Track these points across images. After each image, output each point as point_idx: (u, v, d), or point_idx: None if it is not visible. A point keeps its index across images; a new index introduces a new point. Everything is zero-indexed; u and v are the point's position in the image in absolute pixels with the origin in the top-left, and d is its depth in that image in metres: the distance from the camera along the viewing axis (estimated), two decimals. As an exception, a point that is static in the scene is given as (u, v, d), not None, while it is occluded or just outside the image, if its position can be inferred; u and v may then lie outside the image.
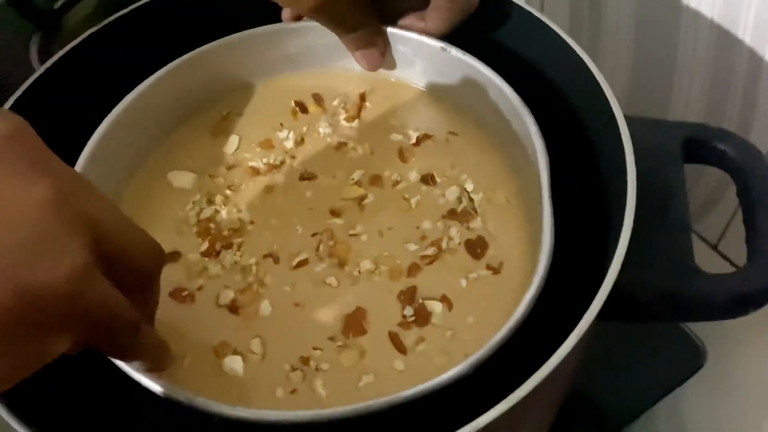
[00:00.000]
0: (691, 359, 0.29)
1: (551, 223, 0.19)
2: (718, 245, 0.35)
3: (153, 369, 0.17)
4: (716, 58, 0.30)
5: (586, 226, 0.20)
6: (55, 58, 0.24)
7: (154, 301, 0.17)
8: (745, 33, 0.28)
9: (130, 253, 0.15)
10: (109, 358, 0.16)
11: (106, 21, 0.25)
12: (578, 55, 0.22)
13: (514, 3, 0.24)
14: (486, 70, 0.23)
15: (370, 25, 0.23)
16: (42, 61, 0.25)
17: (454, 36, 0.24)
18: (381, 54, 0.24)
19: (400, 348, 0.19)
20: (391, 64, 0.25)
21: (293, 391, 0.19)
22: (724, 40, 0.29)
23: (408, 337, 0.20)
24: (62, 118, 0.22)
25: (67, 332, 0.13)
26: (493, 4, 0.24)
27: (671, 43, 0.30)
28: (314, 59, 0.26)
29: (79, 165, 0.21)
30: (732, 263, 0.21)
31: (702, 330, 0.30)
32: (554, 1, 0.35)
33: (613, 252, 0.17)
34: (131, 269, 0.15)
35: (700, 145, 0.23)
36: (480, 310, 0.20)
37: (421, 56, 0.25)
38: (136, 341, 0.16)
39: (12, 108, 0.23)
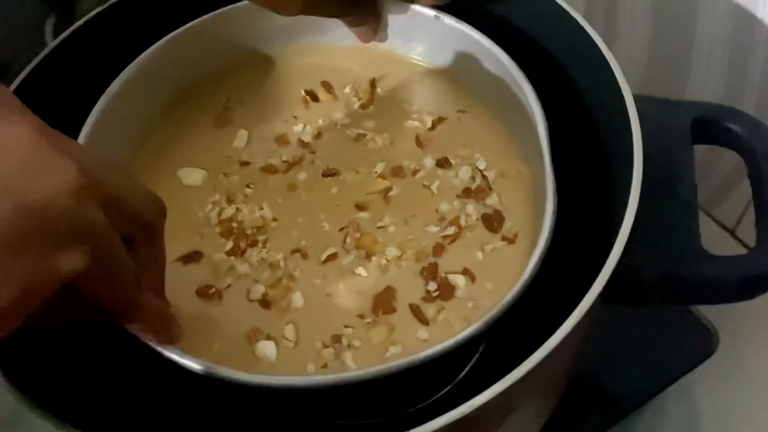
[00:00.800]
0: (703, 344, 0.33)
1: (553, 184, 0.24)
2: (735, 230, 0.40)
3: (158, 338, 0.20)
4: (734, 39, 0.35)
5: (593, 205, 0.24)
6: (60, 38, 0.28)
7: (160, 264, 0.20)
8: (765, 13, 0.33)
9: (126, 198, 0.18)
10: (118, 324, 0.19)
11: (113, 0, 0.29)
12: (586, 32, 0.26)
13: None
14: (479, 36, 0.28)
15: (360, 7, 0.28)
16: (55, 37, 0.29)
17: (467, 14, 0.28)
18: (373, 30, 0.29)
19: (422, 319, 0.25)
20: (384, 37, 0.30)
21: (324, 366, 0.24)
22: (742, 20, 0.34)
23: (430, 309, 0.25)
24: (69, 98, 0.26)
25: (71, 247, 0.16)
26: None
27: (688, 24, 0.35)
28: (305, 30, 0.31)
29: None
30: (749, 248, 0.24)
31: (714, 315, 0.34)
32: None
33: (617, 232, 0.20)
34: (130, 215, 0.18)
35: (711, 125, 0.26)
36: (497, 277, 0.25)
37: (417, 28, 0.30)
38: (139, 296, 0.18)
39: (19, 87, 0.27)
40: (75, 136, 0.26)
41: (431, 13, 0.29)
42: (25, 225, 0.15)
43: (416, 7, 0.29)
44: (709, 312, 0.35)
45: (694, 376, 0.33)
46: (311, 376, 0.23)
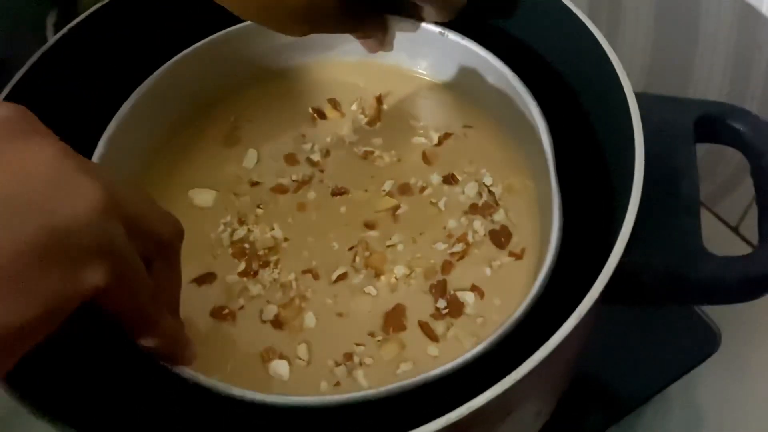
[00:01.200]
0: (706, 343, 0.32)
1: (559, 200, 0.23)
2: (738, 227, 0.39)
3: (171, 359, 0.21)
4: (738, 36, 0.34)
5: (598, 207, 0.24)
6: (60, 34, 0.27)
7: (177, 284, 0.21)
8: (770, 10, 0.31)
9: (146, 218, 0.18)
10: (133, 341, 0.19)
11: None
12: (588, 29, 0.25)
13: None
14: (484, 52, 0.28)
15: (367, 22, 0.28)
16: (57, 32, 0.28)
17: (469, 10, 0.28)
18: (380, 41, 0.29)
19: (432, 336, 0.24)
20: (390, 47, 0.29)
21: (337, 384, 0.24)
22: (747, 16, 0.33)
23: (439, 327, 0.25)
24: (69, 94, 0.26)
25: (92, 265, 0.16)
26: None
27: (693, 21, 0.35)
28: (311, 46, 0.31)
29: None
30: (753, 246, 0.25)
31: (717, 314, 0.34)
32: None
33: (618, 232, 0.20)
34: (149, 235, 0.18)
35: (714, 124, 0.25)
36: (505, 293, 0.25)
37: (423, 44, 0.30)
38: (156, 314, 0.19)
39: (18, 83, 0.26)
40: (76, 135, 0.25)
41: (436, 29, 0.29)
42: (48, 244, 0.16)
43: (422, 24, 0.29)
44: (711, 311, 0.35)
45: (696, 374, 0.33)
46: (323, 396, 0.23)
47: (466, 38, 0.29)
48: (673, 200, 0.24)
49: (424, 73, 0.32)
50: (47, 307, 0.16)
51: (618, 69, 0.24)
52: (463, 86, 0.31)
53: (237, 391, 0.21)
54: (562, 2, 0.27)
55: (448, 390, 0.21)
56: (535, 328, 0.21)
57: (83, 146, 0.27)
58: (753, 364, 0.35)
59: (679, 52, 0.37)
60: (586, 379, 0.32)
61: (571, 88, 0.28)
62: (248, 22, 0.29)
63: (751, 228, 0.39)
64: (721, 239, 0.39)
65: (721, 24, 0.35)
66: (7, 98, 0.26)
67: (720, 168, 0.39)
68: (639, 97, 0.24)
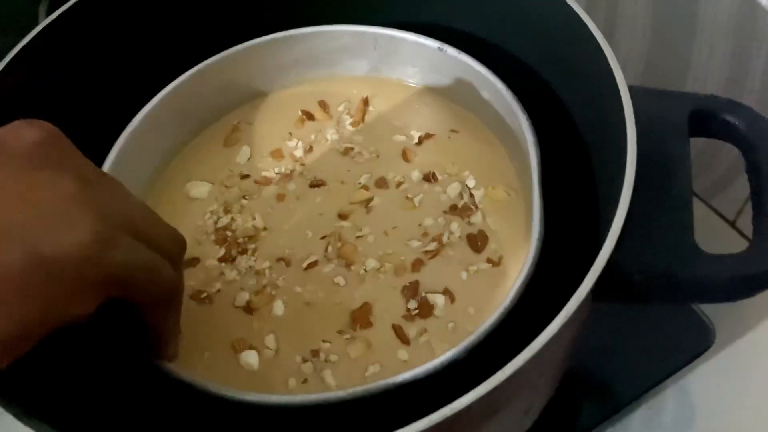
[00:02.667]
0: (700, 338, 0.29)
1: (540, 214, 0.21)
2: (735, 222, 0.35)
3: (167, 355, 0.20)
4: (737, 30, 0.30)
5: (587, 204, 0.21)
6: (49, 19, 0.24)
7: (182, 289, 0.20)
8: (768, 3, 0.28)
9: (155, 235, 0.18)
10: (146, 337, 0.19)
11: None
12: (580, 18, 0.22)
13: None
14: (480, 68, 0.25)
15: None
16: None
17: (459, 3, 0.25)
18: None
19: (404, 339, 0.22)
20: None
21: (304, 381, 0.21)
22: (745, 8, 0.29)
23: (411, 329, 0.22)
24: (57, 82, 0.24)
25: (83, 295, 0.15)
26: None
27: (691, 14, 0.31)
28: (319, 63, 0.29)
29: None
30: (749, 240, 0.21)
31: (711, 309, 0.31)
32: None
33: (608, 228, 0.18)
34: (158, 250, 0.18)
35: (709, 118, 0.22)
36: (480, 301, 0.22)
37: (419, 57, 0.27)
38: (177, 302, 0.18)
39: (5, 69, 0.23)
40: (73, 128, 0.22)
41: (435, 44, 0.26)
42: (31, 273, 0.15)
43: (420, 39, 0.27)
44: (706, 307, 0.31)
45: (690, 369, 0.30)
46: (296, 395, 0.20)
47: (463, 53, 0.26)
48: (665, 196, 0.21)
49: (425, 85, 0.29)
50: (21, 329, 0.15)
51: (611, 60, 0.21)
52: (456, 97, 0.28)
53: (214, 387, 0.19)
54: None
55: (425, 392, 0.19)
56: (512, 333, 0.19)
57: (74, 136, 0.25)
58: (747, 359, 0.31)
59: (676, 46, 0.33)
60: (580, 375, 0.29)
61: (563, 71, 0.25)
62: (265, 38, 0.28)
63: (748, 222, 0.33)
64: (718, 233, 0.35)
65: (719, 17, 0.31)
66: None
67: (717, 161, 0.35)
68: (632, 90, 0.20)
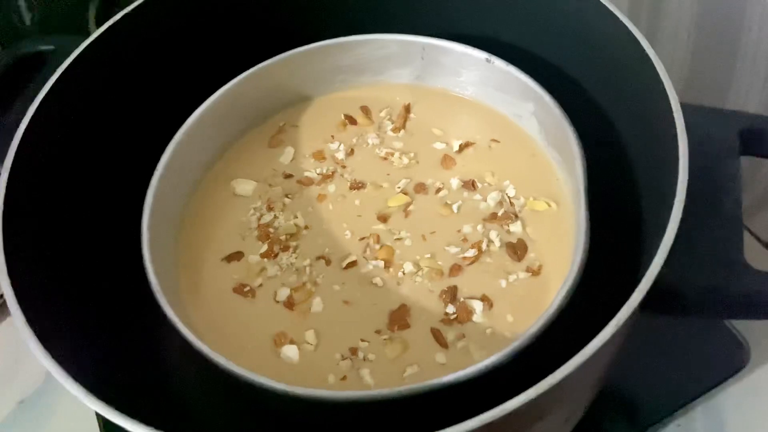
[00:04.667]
0: (734, 358, 0.28)
1: (587, 225, 0.20)
2: None
3: None
4: None
5: (634, 216, 0.21)
6: (104, 27, 0.25)
7: None
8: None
9: None
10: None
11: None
12: (636, 38, 0.22)
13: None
14: (528, 80, 0.25)
15: None
16: (98, 25, 0.26)
17: (507, 16, 0.25)
18: None
19: (442, 342, 0.21)
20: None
21: (343, 378, 0.21)
22: None
23: (449, 333, 0.22)
24: (110, 90, 0.24)
25: None
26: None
27: (734, 30, 0.30)
28: (365, 70, 0.29)
29: (155, 177, 0.24)
30: None
31: (746, 329, 0.29)
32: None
33: (659, 242, 0.17)
34: None
35: (759, 137, 0.22)
36: (519, 310, 0.21)
37: (465, 67, 0.27)
38: None
39: (60, 78, 0.23)
40: (115, 130, 0.24)
41: (483, 56, 0.26)
42: None
43: (467, 49, 0.26)
44: (741, 326, 0.30)
45: (722, 389, 0.28)
46: (343, 391, 0.20)
47: (511, 65, 0.26)
48: (716, 213, 0.20)
49: (469, 95, 0.28)
50: None
51: (664, 78, 0.21)
52: (499, 107, 0.27)
53: (265, 381, 0.19)
54: (604, 5, 0.23)
55: (466, 395, 0.18)
56: (550, 342, 0.18)
57: (127, 139, 0.26)
58: None
59: (718, 63, 0.33)
60: (611, 390, 0.28)
61: (614, 88, 0.24)
62: (316, 45, 0.28)
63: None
64: (754, 255, 0.33)
65: (763, 35, 0.29)
66: (50, 91, 0.24)
67: (753, 184, 0.32)
68: (683, 107, 0.20)
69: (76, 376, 0.18)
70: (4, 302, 0.37)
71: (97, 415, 0.27)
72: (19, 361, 0.32)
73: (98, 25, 0.27)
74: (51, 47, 0.27)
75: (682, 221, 0.18)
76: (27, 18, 0.38)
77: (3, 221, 0.20)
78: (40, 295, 0.19)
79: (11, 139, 0.22)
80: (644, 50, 0.21)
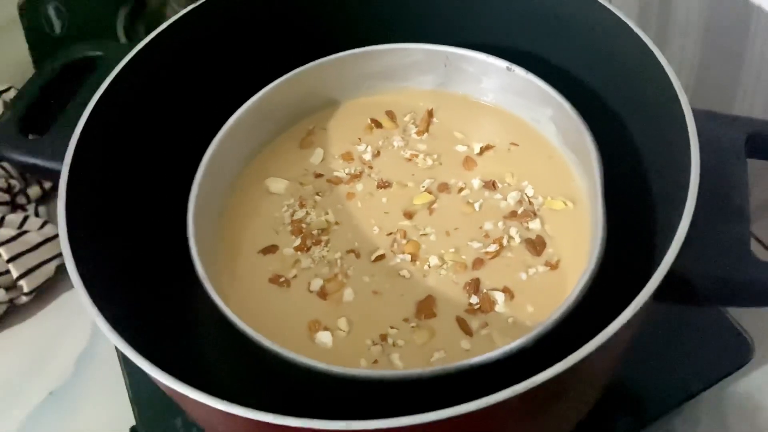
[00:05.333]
0: (738, 353, 0.29)
1: (604, 221, 0.21)
2: None
3: None
4: None
5: (646, 217, 0.22)
6: (151, 36, 0.26)
7: None
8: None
9: None
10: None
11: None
12: (647, 46, 0.23)
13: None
14: (547, 87, 0.26)
15: None
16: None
17: (526, 26, 0.26)
18: None
19: (467, 330, 0.23)
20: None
21: (375, 362, 0.22)
22: None
23: (473, 322, 0.23)
24: (158, 98, 0.26)
25: None
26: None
27: (740, 38, 0.31)
28: (391, 77, 0.30)
29: (197, 180, 0.26)
30: None
31: (751, 325, 0.30)
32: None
33: (673, 235, 0.18)
34: None
35: (765, 142, 0.23)
36: (539, 300, 0.23)
37: (486, 74, 0.28)
38: None
39: (108, 88, 0.25)
40: (160, 131, 0.25)
41: (504, 64, 0.28)
42: None
43: (489, 58, 0.28)
44: (746, 321, 0.30)
45: (726, 384, 0.29)
46: (378, 371, 0.22)
47: (530, 73, 0.27)
48: (724, 210, 0.22)
49: (489, 101, 0.30)
50: None
51: (676, 85, 0.22)
52: (519, 112, 0.29)
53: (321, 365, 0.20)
54: (617, 16, 0.24)
55: (488, 379, 0.19)
56: (569, 333, 0.19)
57: (171, 139, 0.27)
58: None
59: (725, 70, 0.33)
60: (619, 383, 0.29)
61: (624, 103, 0.25)
62: (346, 53, 0.29)
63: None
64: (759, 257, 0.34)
65: (767, 45, 0.30)
66: (104, 94, 0.25)
67: (756, 189, 0.33)
68: (694, 112, 0.21)
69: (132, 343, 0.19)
70: (32, 297, 0.38)
71: (132, 402, 0.29)
72: (49, 353, 0.34)
73: (126, 31, 0.28)
74: (99, 53, 0.29)
75: (693, 217, 0.19)
76: (57, 26, 0.39)
77: (66, 217, 0.22)
78: (100, 277, 0.21)
79: (69, 139, 0.24)
80: (656, 58, 0.22)
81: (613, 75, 0.25)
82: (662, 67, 0.22)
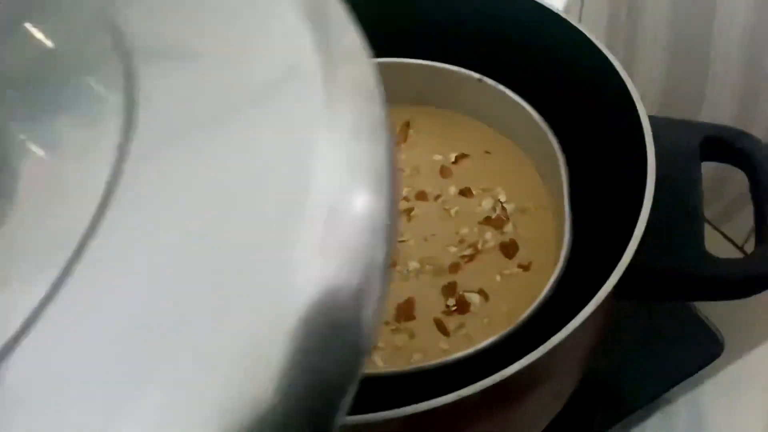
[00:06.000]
0: (709, 349, 0.30)
1: (570, 223, 0.23)
2: (744, 246, 0.35)
3: None
4: (747, 68, 0.32)
5: (609, 219, 0.23)
6: None
7: None
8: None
9: None
10: None
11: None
12: (609, 60, 0.24)
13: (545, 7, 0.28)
14: (516, 98, 0.28)
15: None
16: None
17: (495, 39, 0.28)
18: None
19: (444, 331, 0.23)
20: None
21: None
22: (756, 48, 0.31)
23: (451, 323, 0.24)
24: None
25: None
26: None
27: (704, 52, 0.33)
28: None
29: None
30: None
31: (720, 321, 0.31)
32: (592, 8, 0.38)
33: (631, 234, 0.19)
34: None
35: (718, 145, 0.25)
36: (512, 300, 0.23)
37: (459, 86, 0.29)
38: None
39: None
40: None
41: (476, 75, 0.29)
42: None
43: (461, 70, 0.29)
44: (714, 317, 0.32)
45: (701, 379, 0.30)
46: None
47: (500, 84, 0.29)
48: (680, 210, 0.23)
49: (463, 112, 0.31)
50: None
51: (633, 94, 0.24)
52: (491, 122, 0.30)
53: None
54: (585, 35, 0.26)
55: (468, 376, 0.19)
56: (541, 329, 0.20)
57: None
58: (754, 368, 0.32)
59: (691, 82, 0.35)
60: (594, 379, 0.30)
61: (588, 112, 0.27)
62: None
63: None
64: (727, 257, 0.36)
65: (730, 58, 0.32)
66: None
67: (726, 189, 0.35)
68: (652, 119, 0.23)
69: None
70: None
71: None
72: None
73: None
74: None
75: (651, 217, 0.20)
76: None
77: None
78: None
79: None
80: (616, 70, 0.24)
81: (578, 86, 0.27)
82: (621, 78, 0.24)
